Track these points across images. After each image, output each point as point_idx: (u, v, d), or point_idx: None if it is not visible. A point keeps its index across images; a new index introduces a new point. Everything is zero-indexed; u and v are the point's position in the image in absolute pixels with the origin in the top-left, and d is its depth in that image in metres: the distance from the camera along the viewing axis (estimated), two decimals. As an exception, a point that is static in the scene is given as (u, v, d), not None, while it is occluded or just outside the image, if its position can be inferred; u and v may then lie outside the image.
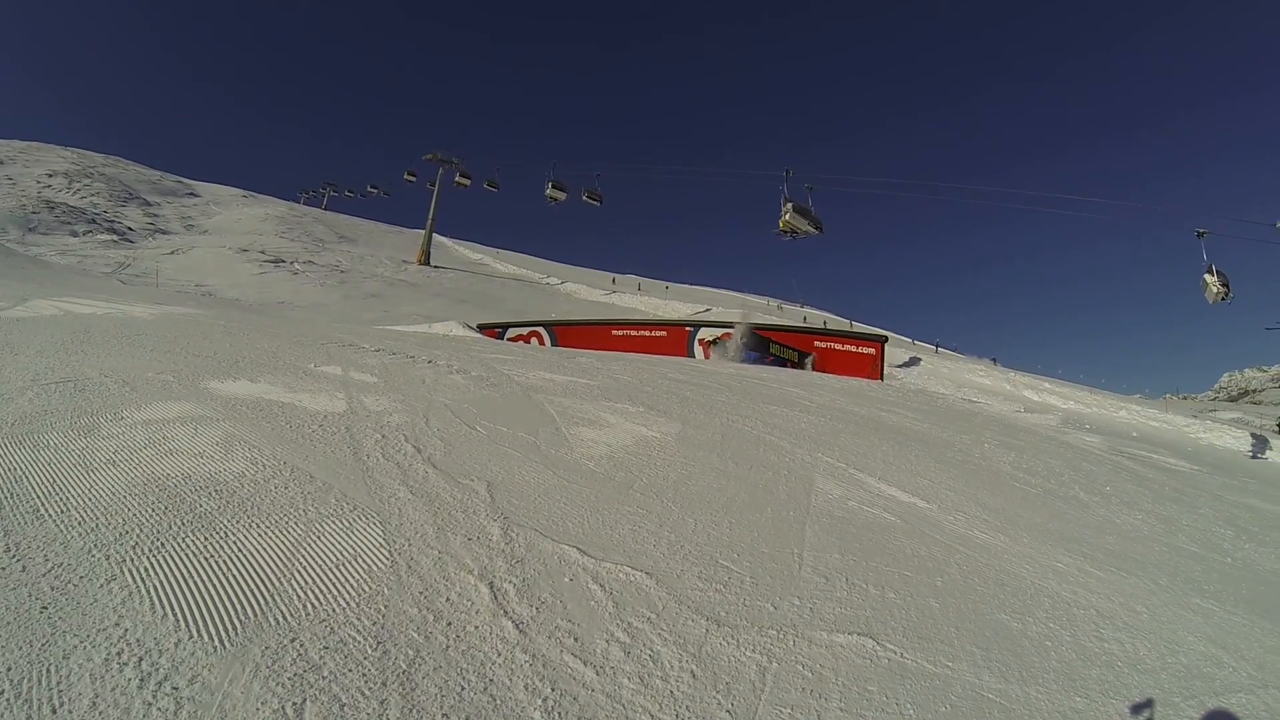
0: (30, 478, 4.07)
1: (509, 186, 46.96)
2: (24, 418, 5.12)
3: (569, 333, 21.72)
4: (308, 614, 2.94)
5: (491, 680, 2.71)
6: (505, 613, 3.20)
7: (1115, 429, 19.97)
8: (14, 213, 40.80)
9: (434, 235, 54.90)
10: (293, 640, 2.75)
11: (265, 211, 58.66)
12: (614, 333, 21.30)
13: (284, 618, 2.89)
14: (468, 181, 51.99)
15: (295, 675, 2.55)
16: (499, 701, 2.60)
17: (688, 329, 20.59)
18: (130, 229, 44.39)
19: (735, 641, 3.28)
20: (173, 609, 2.84)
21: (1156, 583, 5.21)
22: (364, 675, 2.60)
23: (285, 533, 3.63)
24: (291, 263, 41.41)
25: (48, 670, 2.44)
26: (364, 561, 3.47)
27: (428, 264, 50.87)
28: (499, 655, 2.87)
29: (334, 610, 3.00)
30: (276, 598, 3.03)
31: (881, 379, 17.71)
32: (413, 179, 60.70)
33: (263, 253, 42.31)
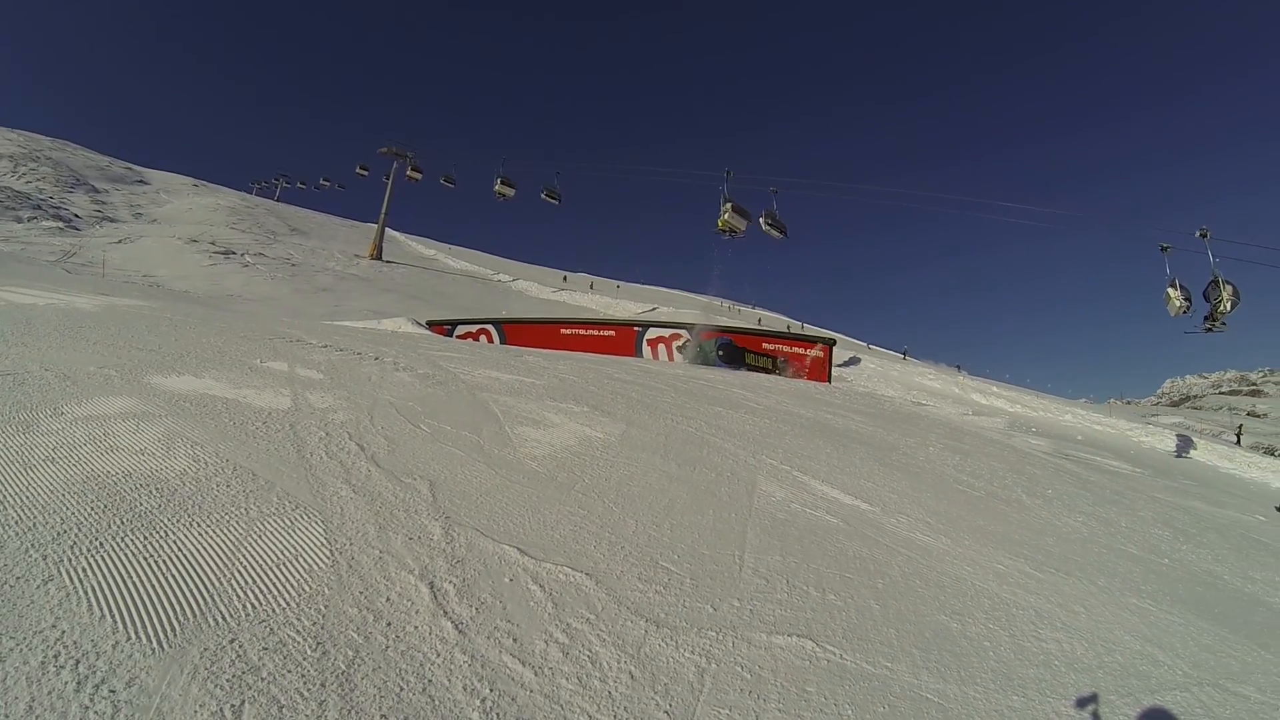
0: (-36, 475, 3.99)
1: (465, 182, 46.64)
2: (-42, 413, 5.01)
3: (518, 331, 21.65)
4: (247, 614, 2.94)
5: (430, 681, 2.73)
6: (445, 613, 3.23)
7: (1061, 432, 20.38)
8: (-45, 198, 39.72)
9: (387, 229, 54.41)
10: (232, 641, 2.75)
11: (216, 201, 57.54)
12: (563, 331, 21.27)
13: (223, 618, 2.89)
14: (419, 176, 51.66)
15: (234, 677, 2.55)
16: (437, 702, 2.62)
17: (636, 329, 20.61)
18: (77, 216, 43.28)
19: (674, 643, 3.34)
20: (111, 610, 2.82)
21: (1095, 583, 5.36)
22: (303, 676, 2.62)
23: (226, 532, 3.61)
24: (242, 255, 40.72)
25: (-18, 673, 2.41)
26: (305, 561, 3.47)
27: (380, 259, 50.40)
28: (438, 656, 2.90)
29: (274, 610, 3.00)
30: (216, 598, 3.02)
31: (829, 381, 17.86)
32: (364, 173, 60.08)
33: (213, 244, 41.56)
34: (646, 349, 19.87)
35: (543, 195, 36.32)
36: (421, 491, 4.62)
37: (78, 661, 2.51)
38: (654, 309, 42.32)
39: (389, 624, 3.05)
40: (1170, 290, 19.01)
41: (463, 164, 57.04)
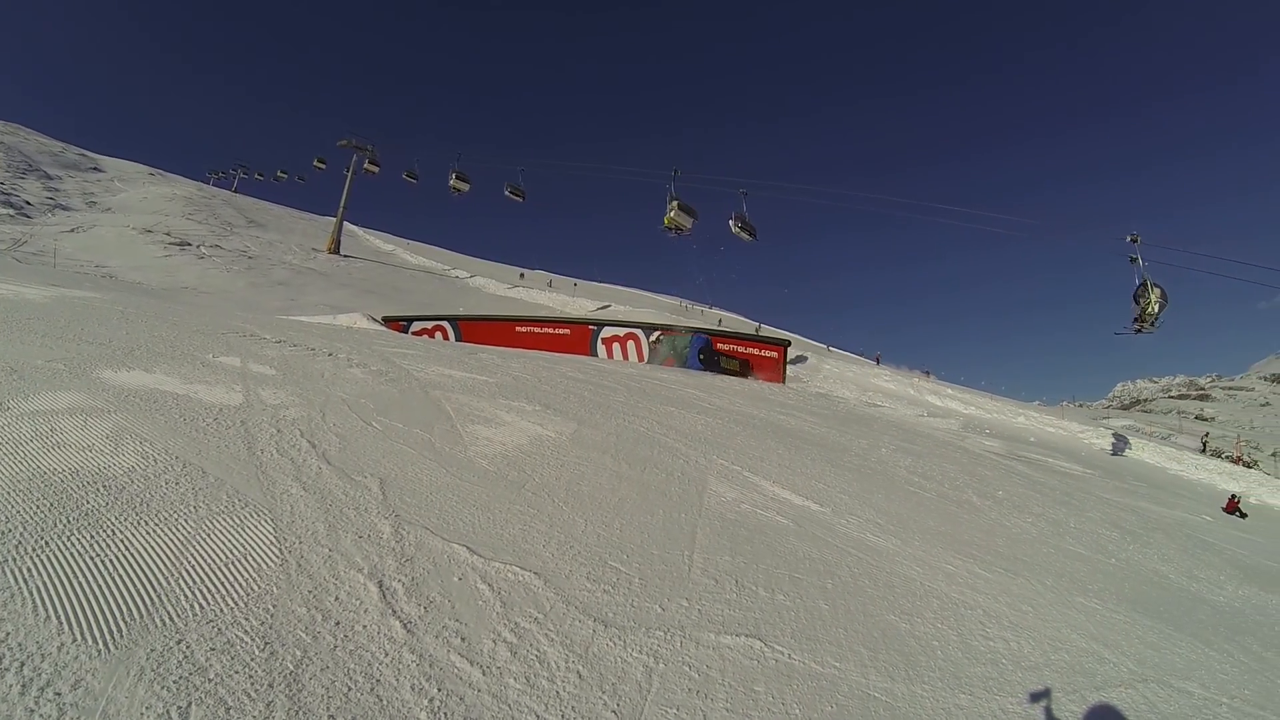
0: (-95, 472, 3.92)
1: (427, 177, 46.23)
2: (-101, 406, 4.91)
3: (473, 328, 21.57)
4: (195, 615, 2.93)
5: (378, 680, 2.75)
6: (393, 612, 3.24)
7: (1014, 434, 20.74)
8: (-101, 182, 38.66)
9: (345, 223, 53.90)
10: (179, 642, 2.74)
11: (173, 191, 56.43)
12: (518, 329, 21.22)
13: (171, 619, 2.88)
14: (377, 169, 51.38)
15: (181, 678, 2.54)
16: (385, 702, 2.64)
17: (591, 328, 20.59)
18: (28, 203, 42.22)
19: (622, 642, 3.38)
20: (56, 611, 2.79)
21: (1043, 583, 5.49)
22: (250, 677, 2.62)
23: (174, 530, 3.58)
24: (198, 246, 40.00)
25: (-76, 676, 2.39)
26: (254, 560, 3.46)
27: (338, 253, 49.86)
28: (386, 655, 2.91)
29: (222, 611, 2.99)
30: (163, 598, 3.00)
31: (784, 382, 18.00)
32: (322, 166, 59.52)
33: (168, 234, 40.76)
34: (601, 348, 19.86)
35: (506, 192, 36.19)
36: (372, 489, 4.62)
37: (22, 664, 2.48)
38: (607, 306, 42.41)
39: (337, 623, 3.06)
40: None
41: (425, 159, 56.58)
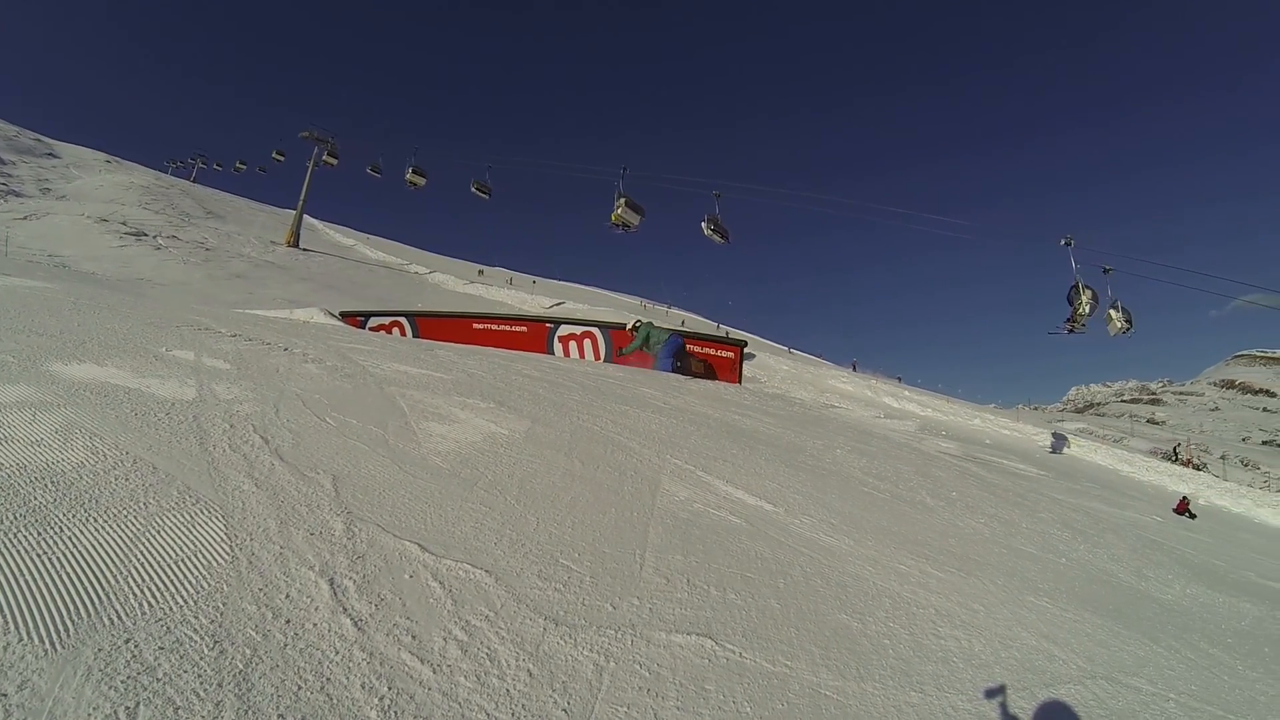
0: None
1: (391, 171, 45.87)
2: None
3: (431, 324, 21.40)
4: (143, 613, 2.91)
5: (329, 679, 2.76)
6: (344, 610, 3.25)
7: (970, 436, 21.09)
8: None
9: (306, 217, 53.34)
10: (127, 641, 2.72)
11: (130, 179, 55.38)
12: (475, 326, 21.07)
13: (119, 617, 2.86)
14: (335, 162, 51.03)
15: (129, 678, 2.53)
16: (335, 701, 2.65)
17: (548, 326, 20.54)
18: (-22, 189, 41.44)
19: (573, 641, 3.42)
20: (1, 610, 2.76)
21: (994, 582, 5.60)
22: (200, 676, 2.61)
23: (124, 527, 3.55)
24: (155, 236, 39.26)
25: None
26: (204, 557, 3.43)
27: (297, 246, 49.32)
28: (337, 653, 2.92)
29: (171, 609, 2.97)
30: (112, 596, 2.98)
31: (740, 382, 18.10)
32: (281, 158, 58.90)
33: (124, 224, 39.95)
34: (558, 346, 19.82)
35: (473, 189, 36.14)
36: (325, 486, 4.61)
37: (-35, 664, 2.46)
38: (561, 304, 42.47)
39: (288, 621, 3.06)
40: (1111, 311, 20.00)
41: (388, 153, 56.16)
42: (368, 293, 38.09)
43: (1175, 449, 37.39)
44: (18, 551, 3.17)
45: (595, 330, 19.91)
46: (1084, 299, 19.49)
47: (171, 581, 3.18)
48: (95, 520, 3.56)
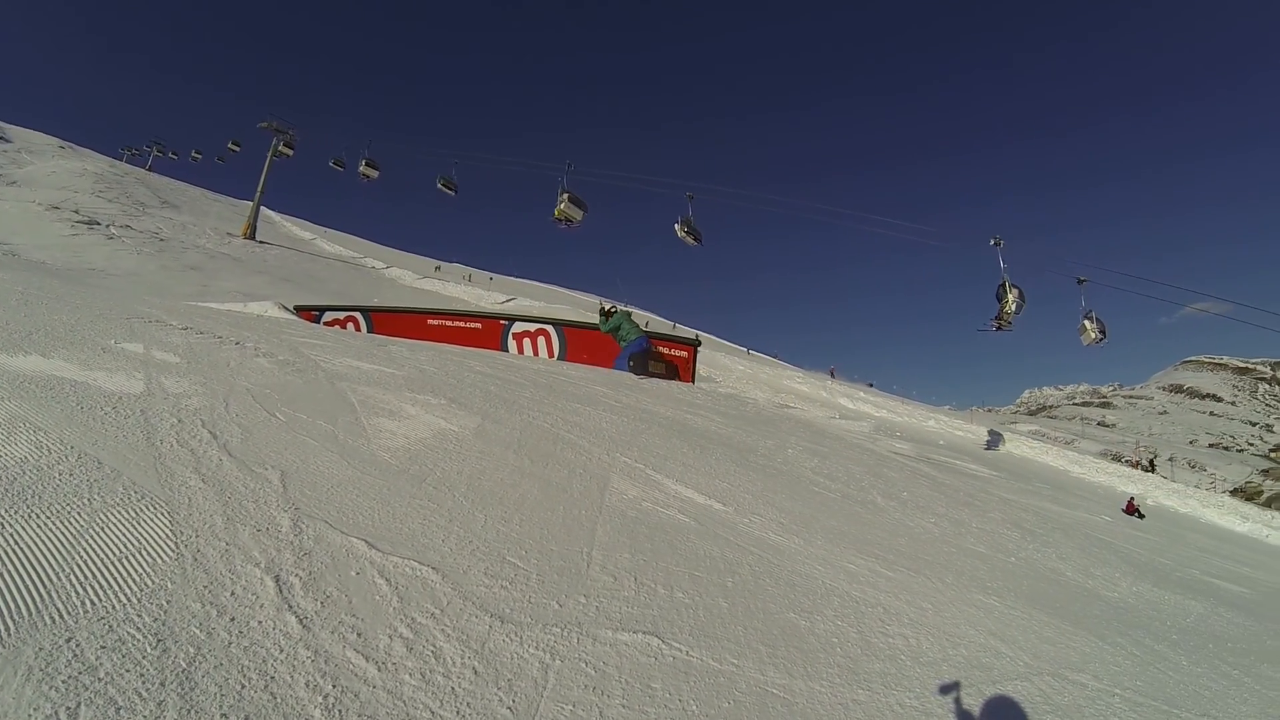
0: None
1: (354, 165, 45.34)
2: None
3: (386, 320, 21.24)
4: (85, 611, 2.89)
5: (273, 678, 2.76)
6: (290, 607, 3.25)
7: (924, 437, 21.38)
8: None
9: (263, 209, 52.66)
10: (68, 640, 2.70)
11: (83, 166, 54.10)
12: (429, 322, 20.95)
13: (60, 616, 2.83)
14: (291, 152, 50.48)
15: (70, 678, 2.51)
16: (279, 700, 2.66)
17: (502, 322, 20.47)
18: (-76, 175, 40.32)
19: (519, 639, 3.45)
20: (-62, 609, 2.73)
21: (943, 581, 5.70)
22: (142, 675, 2.60)
23: (67, 524, 3.51)
24: (108, 225, 38.37)
25: None
26: (148, 554, 3.41)
27: (253, 238, 48.55)
28: (281, 651, 2.93)
29: (114, 607, 2.96)
30: (53, 594, 2.95)
31: (693, 381, 18.16)
32: (236, 149, 58.15)
33: (76, 212, 39.03)
34: (512, 343, 19.75)
35: (439, 185, 36.05)
36: (273, 482, 4.59)
37: (-97, 664, 2.43)
38: (512, 299, 42.42)
39: (233, 619, 3.05)
40: (1086, 321, 20.48)
41: (351, 148, 55.47)
42: (324, 287, 37.62)
43: (1152, 459, 38.34)
44: (-44, 548, 3.13)
45: (549, 328, 19.85)
46: (1010, 297, 19.99)
47: (115, 579, 3.15)
48: (38, 517, 3.51)
